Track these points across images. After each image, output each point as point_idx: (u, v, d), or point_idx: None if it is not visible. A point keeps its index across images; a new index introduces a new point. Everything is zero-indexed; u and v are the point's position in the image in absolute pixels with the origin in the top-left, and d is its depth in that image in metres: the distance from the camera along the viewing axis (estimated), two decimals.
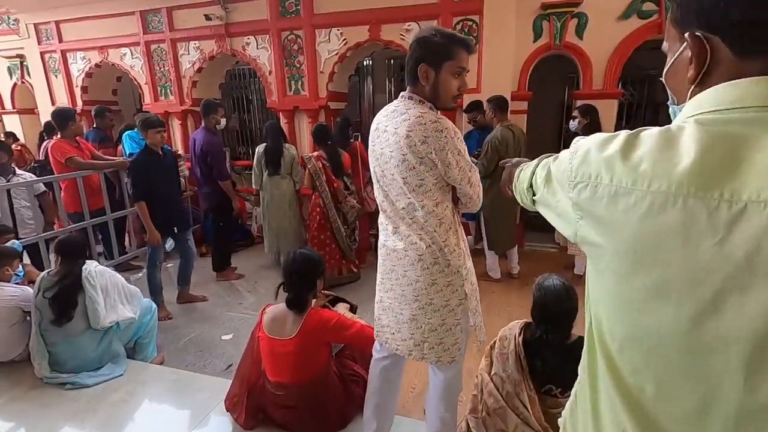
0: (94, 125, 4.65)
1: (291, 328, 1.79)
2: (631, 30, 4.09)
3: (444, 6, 4.45)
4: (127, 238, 4.83)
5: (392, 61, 7.37)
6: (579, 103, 4.24)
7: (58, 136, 3.62)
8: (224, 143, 7.92)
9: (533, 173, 0.78)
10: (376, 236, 1.76)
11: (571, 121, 3.85)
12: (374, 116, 1.59)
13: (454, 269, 1.51)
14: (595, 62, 4.26)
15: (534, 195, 0.78)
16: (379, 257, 1.69)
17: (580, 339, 1.68)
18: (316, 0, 4.89)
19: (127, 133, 4.45)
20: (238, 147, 8.38)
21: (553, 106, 6.86)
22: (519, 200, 0.91)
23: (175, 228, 3.43)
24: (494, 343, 1.87)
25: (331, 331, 1.81)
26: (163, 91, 5.90)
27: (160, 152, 3.28)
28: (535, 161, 0.82)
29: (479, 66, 4.50)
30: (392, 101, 1.55)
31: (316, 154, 3.89)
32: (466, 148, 1.47)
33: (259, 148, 4.30)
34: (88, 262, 2.36)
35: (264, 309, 1.95)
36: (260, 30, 5.18)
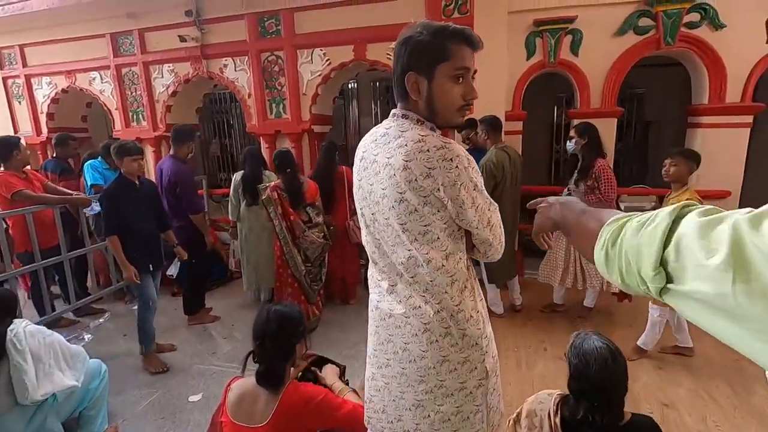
0: (54, 154, 4.24)
1: (263, 411, 1.40)
2: (627, 46, 3.91)
3: None
4: (90, 278, 4.37)
5: (377, 83, 7.17)
6: (576, 122, 4.01)
7: (2, 168, 3.21)
8: (204, 170, 7.59)
9: (666, 240, 0.44)
10: (367, 266, 1.42)
11: (568, 141, 3.55)
12: (361, 138, 1.27)
13: (471, 341, 1.15)
14: (592, 80, 4.06)
15: (670, 281, 0.43)
16: (370, 322, 1.32)
17: (638, 419, 1.34)
18: (298, 19, 4.64)
19: (88, 162, 4.04)
20: (219, 173, 8.01)
21: (543, 127, 6.70)
22: (614, 278, 0.54)
23: (151, 265, 3.04)
24: (518, 416, 1.51)
25: (314, 412, 1.42)
26: (134, 117, 5.53)
27: (136, 182, 2.94)
28: (664, 216, 0.46)
29: None
30: (381, 122, 1.22)
31: (273, 183, 3.53)
32: (482, 180, 1.14)
33: (236, 176, 3.94)
34: (16, 321, 1.94)
35: (228, 384, 1.55)
36: (238, 51, 4.90)
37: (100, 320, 3.89)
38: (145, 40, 5.23)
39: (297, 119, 4.87)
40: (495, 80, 4.17)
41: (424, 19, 1.14)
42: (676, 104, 6.31)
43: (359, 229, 3.97)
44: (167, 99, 5.32)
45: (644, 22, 3.83)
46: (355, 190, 1.22)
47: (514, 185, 3.55)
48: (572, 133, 3.49)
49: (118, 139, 5.28)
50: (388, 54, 4.44)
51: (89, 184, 3.93)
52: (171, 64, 5.18)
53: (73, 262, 3.95)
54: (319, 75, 4.70)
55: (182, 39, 4.87)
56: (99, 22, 5.25)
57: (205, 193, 5.29)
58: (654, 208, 2.82)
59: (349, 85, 6.96)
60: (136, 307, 4.20)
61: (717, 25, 3.69)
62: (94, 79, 5.56)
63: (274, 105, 4.95)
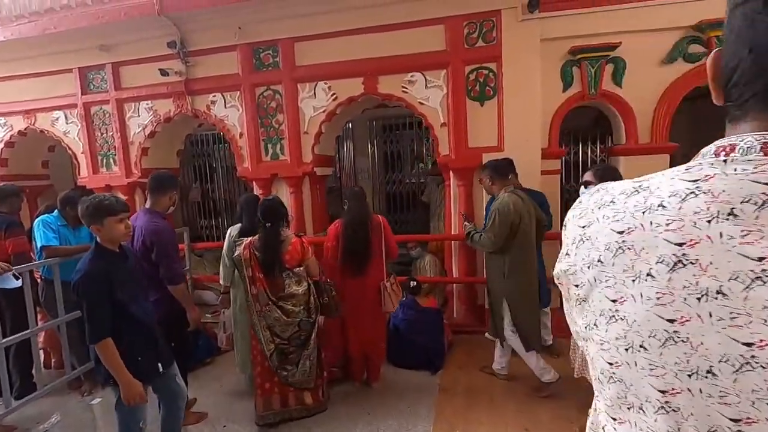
0: None
1: None
2: (677, 75, 3.50)
3: (454, 54, 3.76)
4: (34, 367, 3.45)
5: (374, 122, 6.68)
6: (603, 162, 3.51)
7: None
8: (183, 217, 6.79)
9: None
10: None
11: (582, 187, 2.61)
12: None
13: None
14: (639, 113, 3.60)
15: None
16: None
17: None
18: (299, 50, 4.10)
19: (41, 218, 3.24)
20: (200, 220, 7.23)
21: None
22: None
23: (160, 364, 2.17)
24: None
25: None
26: (104, 161, 4.79)
27: (118, 250, 2.09)
28: None
29: (500, 120, 3.75)
30: (688, 167, 0.49)
31: (248, 239, 2.84)
32: None
33: (232, 231, 3.20)
34: None
35: None
36: (229, 86, 4.30)
37: (44, 426, 2.96)
38: (120, 75, 4.59)
39: (297, 161, 4.23)
40: (528, 115, 3.67)
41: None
42: None
43: (396, 294, 3.28)
44: (144, 140, 4.62)
45: (695, 48, 3.44)
46: (607, 335, 0.52)
47: (531, 230, 2.95)
48: (588, 176, 2.55)
49: (83, 189, 4.52)
50: (403, 86, 3.92)
51: (39, 245, 3.11)
52: (149, 101, 4.53)
53: (14, 348, 3.08)
54: (324, 111, 4.11)
55: (164, 73, 4.25)
56: (66, 55, 4.60)
57: (186, 247, 4.50)
58: None
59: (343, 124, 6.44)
60: (95, 401, 3.29)
61: None
62: (57, 119, 4.83)
63: (270, 145, 4.31)
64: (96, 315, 1.92)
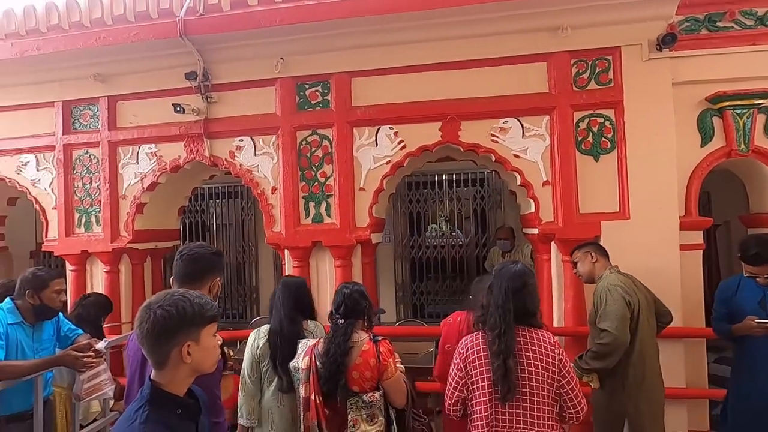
0: None
1: None
2: None
3: (559, 97, 2.99)
4: None
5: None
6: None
7: None
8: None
9: None
10: None
11: None
12: None
13: None
14: None
15: None
16: None
17: None
18: (356, 87, 3.26)
19: None
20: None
21: None
22: None
23: None
24: None
25: None
26: (83, 220, 3.64)
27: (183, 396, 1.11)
28: None
29: (621, 180, 2.93)
30: None
31: (314, 341, 1.93)
32: None
33: (258, 336, 2.09)
34: None
35: None
36: (262, 128, 3.37)
37: None
38: (117, 111, 3.60)
39: (348, 225, 3.23)
40: (662, 174, 2.87)
41: None
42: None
43: None
44: (140, 194, 3.54)
45: None
46: None
47: (652, 326, 2.30)
48: None
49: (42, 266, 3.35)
50: (494, 135, 3.09)
51: None
52: (154, 145, 3.52)
53: None
54: (387, 162, 3.21)
55: (178, 109, 3.29)
56: (49, 85, 3.61)
57: None
58: None
59: None
60: None
61: None
62: (26, 164, 3.73)
63: (312, 204, 3.32)
64: None
